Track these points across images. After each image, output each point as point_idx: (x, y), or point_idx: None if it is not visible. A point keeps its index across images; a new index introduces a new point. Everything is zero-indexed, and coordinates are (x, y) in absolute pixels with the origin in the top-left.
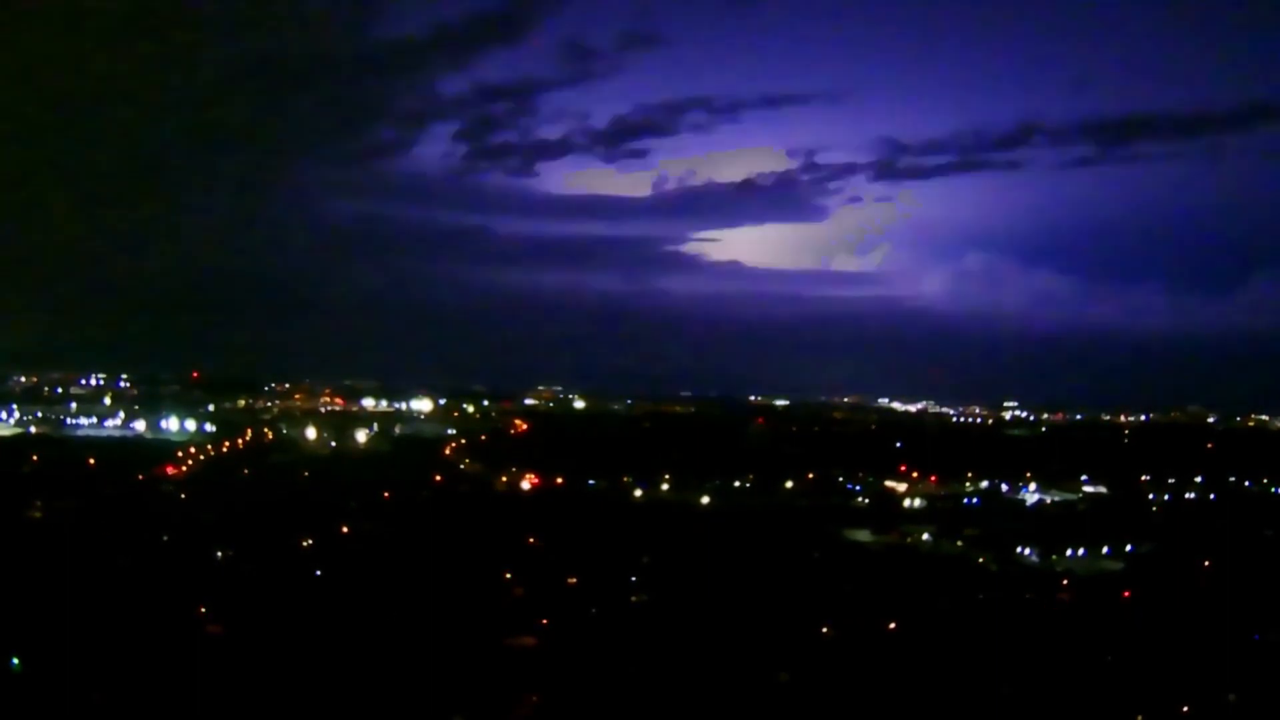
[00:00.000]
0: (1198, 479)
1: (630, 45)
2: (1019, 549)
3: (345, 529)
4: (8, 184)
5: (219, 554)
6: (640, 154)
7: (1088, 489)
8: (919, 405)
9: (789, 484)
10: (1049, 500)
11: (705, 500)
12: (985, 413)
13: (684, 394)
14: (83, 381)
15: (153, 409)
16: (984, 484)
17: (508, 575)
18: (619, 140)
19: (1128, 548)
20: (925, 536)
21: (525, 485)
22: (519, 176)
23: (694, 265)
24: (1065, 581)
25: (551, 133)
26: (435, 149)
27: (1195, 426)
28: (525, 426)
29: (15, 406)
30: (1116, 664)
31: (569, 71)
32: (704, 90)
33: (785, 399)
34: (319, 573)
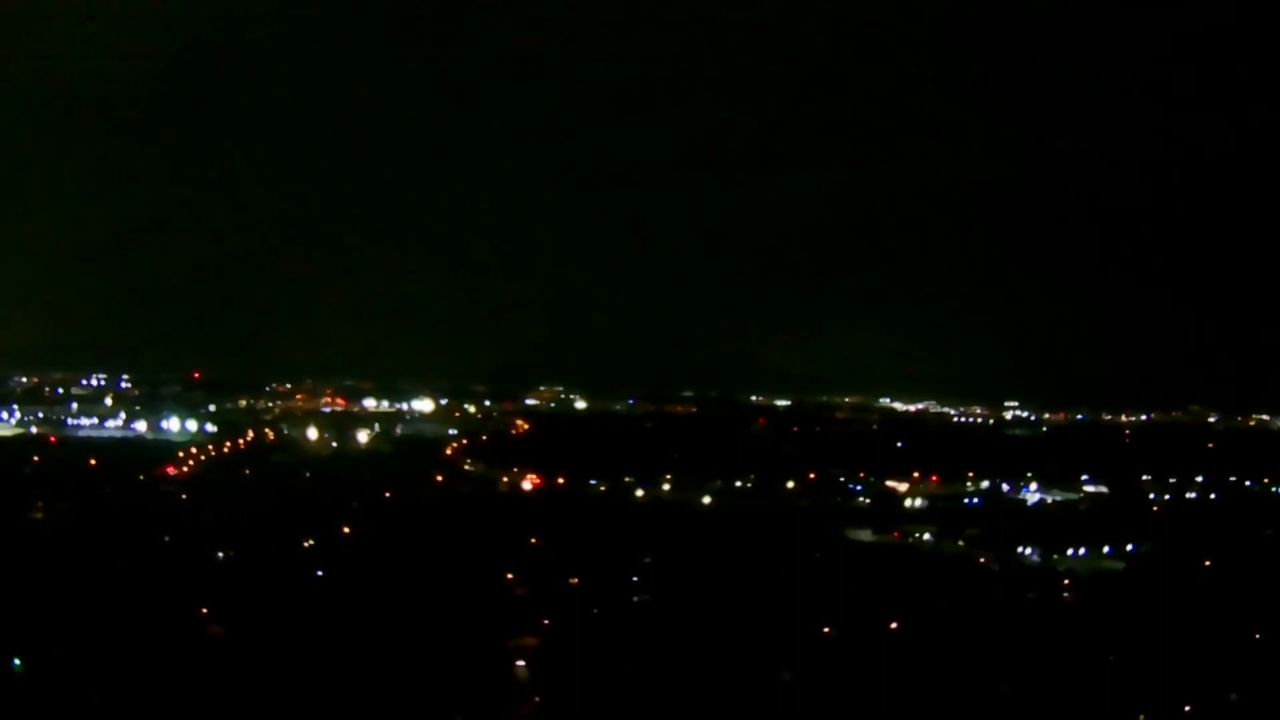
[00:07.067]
0: (1199, 479)
1: None
2: (1020, 549)
3: (347, 529)
4: (8, 184)
5: (220, 555)
6: None
7: (1089, 488)
8: (920, 405)
9: (790, 484)
10: (1050, 500)
11: (706, 500)
12: (986, 412)
13: (685, 394)
14: (84, 382)
15: (154, 409)
16: (985, 484)
17: (509, 576)
18: None
19: (1129, 547)
20: (926, 536)
21: (527, 485)
22: None
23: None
24: (1066, 581)
25: None
26: None
27: (1196, 426)
28: (527, 427)
29: (16, 407)
30: (1118, 663)
31: None
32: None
33: (786, 399)
34: (320, 573)
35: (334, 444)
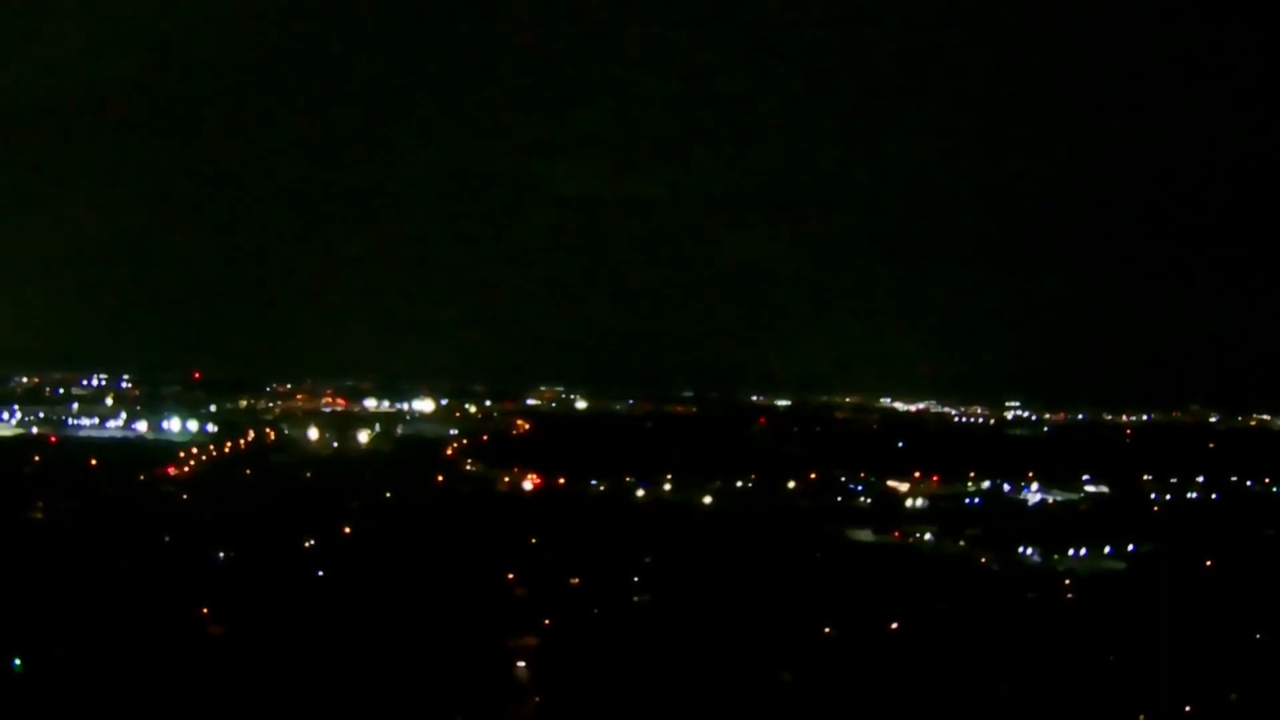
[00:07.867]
0: (1199, 479)
1: None
2: (1021, 549)
3: (347, 529)
4: (9, 185)
5: (220, 555)
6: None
7: (1089, 489)
8: (921, 405)
9: (791, 484)
10: (1051, 500)
11: (707, 500)
12: (987, 412)
13: (685, 394)
14: (84, 382)
15: (154, 409)
16: (986, 484)
17: (510, 576)
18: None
19: (1130, 547)
20: (927, 536)
21: (527, 485)
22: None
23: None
24: (1067, 581)
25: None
26: None
27: (1197, 426)
28: (527, 427)
29: (16, 407)
30: (1119, 663)
31: None
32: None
33: (787, 399)
34: (321, 573)
35: (334, 444)
